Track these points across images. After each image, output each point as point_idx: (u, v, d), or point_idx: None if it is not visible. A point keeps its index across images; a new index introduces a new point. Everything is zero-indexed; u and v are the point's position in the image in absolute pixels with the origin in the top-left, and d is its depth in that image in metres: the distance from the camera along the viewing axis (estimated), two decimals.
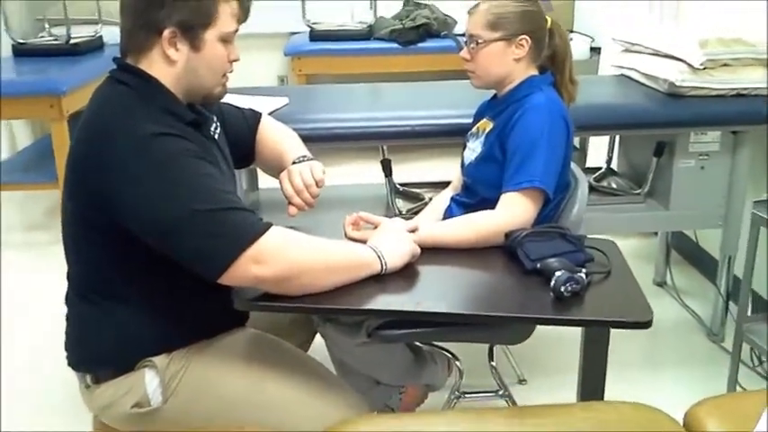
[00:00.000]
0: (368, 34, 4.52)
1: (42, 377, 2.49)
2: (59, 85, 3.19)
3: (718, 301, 2.69)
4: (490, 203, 1.74)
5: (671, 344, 2.75)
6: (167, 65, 1.45)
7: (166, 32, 1.42)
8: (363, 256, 1.50)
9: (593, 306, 1.45)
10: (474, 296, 1.56)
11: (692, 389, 2.34)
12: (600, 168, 2.97)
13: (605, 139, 3.00)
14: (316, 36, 4.49)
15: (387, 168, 2.63)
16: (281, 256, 1.38)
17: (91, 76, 3.28)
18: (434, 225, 1.79)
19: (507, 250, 1.62)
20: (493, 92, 1.94)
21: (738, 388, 2.32)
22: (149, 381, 1.50)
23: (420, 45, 4.44)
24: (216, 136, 1.61)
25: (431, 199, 2.26)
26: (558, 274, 1.44)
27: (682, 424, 1.40)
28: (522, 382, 2.49)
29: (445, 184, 2.11)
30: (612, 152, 2.97)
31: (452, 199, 2.00)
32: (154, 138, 1.38)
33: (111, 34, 3.86)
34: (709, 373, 2.49)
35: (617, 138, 2.95)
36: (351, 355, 1.85)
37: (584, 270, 1.48)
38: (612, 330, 1.55)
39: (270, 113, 2.06)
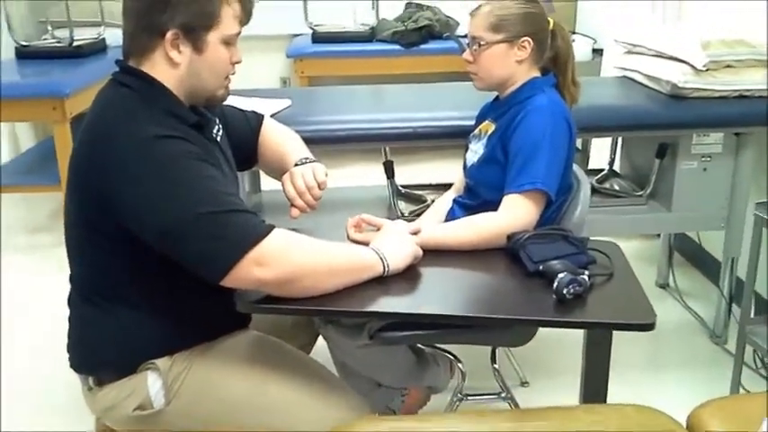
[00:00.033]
0: (370, 36, 4.52)
1: (44, 378, 2.49)
2: (62, 87, 3.19)
3: (721, 302, 2.69)
4: (492, 205, 1.73)
5: (674, 346, 2.75)
6: (170, 67, 1.45)
7: (169, 35, 1.42)
8: (366, 259, 1.50)
9: (596, 308, 1.45)
10: (476, 298, 1.55)
11: (694, 391, 2.33)
12: (602, 170, 2.97)
13: (608, 141, 2.99)
14: (318, 38, 4.50)
15: (389, 170, 2.63)
16: (283, 258, 1.38)
17: (94, 79, 3.27)
18: (437, 227, 1.79)
19: (509, 252, 1.62)
20: (495, 94, 1.94)
21: (741, 390, 2.31)
22: (152, 383, 1.50)
23: (422, 47, 4.45)
24: (218, 138, 1.61)
25: (433, 201, 2.26)
26: (560, 276, 1.43)
27: (685, 426, 1.40)
28: (524, 384, 2.48)
29: (447, 186, 2.11)
30: (615, 154, 2.97)
31: (455, 201, 2.00)
32: (156, 140, 1.38)
33: (114, 36, 3.85)
34: (712, 376, 2.48)
35: (619, 139, 2.95)
36: (353, 357, 1.85)
37: (586, 272, 1.48)
38: (615, 332, 1.55)
39: (272, 115, 2.06)
